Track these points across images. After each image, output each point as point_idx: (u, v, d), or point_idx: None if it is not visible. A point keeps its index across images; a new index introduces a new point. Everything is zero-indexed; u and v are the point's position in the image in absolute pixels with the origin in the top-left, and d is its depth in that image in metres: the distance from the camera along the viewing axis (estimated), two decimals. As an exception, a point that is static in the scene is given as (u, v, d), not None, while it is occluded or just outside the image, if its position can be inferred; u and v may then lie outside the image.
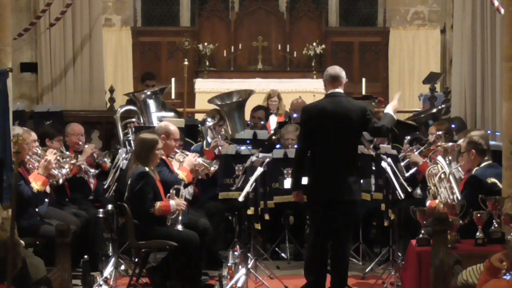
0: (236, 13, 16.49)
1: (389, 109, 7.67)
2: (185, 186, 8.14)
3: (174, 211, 7.70)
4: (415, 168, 8.62)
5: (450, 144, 7.92)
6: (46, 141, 8.70)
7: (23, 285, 5.18)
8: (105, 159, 9.10)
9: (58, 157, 8.00)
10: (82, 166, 8.77)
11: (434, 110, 11.61)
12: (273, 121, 11.57)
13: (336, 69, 7.61)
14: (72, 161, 8.24)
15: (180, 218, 7.69)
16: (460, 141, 7.75)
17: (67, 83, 12.15)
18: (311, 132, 7.50)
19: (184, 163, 8.23)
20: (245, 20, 16.53)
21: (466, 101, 10.91)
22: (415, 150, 8.77)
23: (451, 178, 7.28)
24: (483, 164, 7.31)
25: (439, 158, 7.52)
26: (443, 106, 11.91)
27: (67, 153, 8.72)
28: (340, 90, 7.52)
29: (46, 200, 7.94)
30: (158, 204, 7.64)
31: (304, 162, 7.57)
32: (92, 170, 8.93)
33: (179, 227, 7.66)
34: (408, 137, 9.16)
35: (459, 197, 7.11)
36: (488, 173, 7.20)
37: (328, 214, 7.42)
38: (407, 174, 8.35)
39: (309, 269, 7.59)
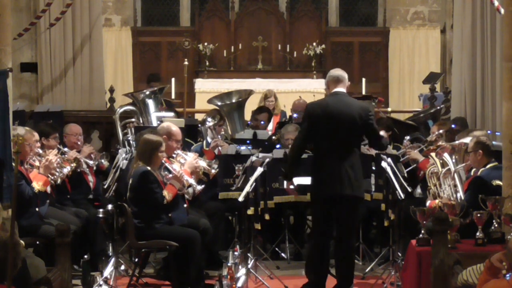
0: (236, 13, 16.48)
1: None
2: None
3: (183, 184, 7.82)
4: (414, 165, 8.62)
5: (457, 142, 7.92)
6: (42, 139, 8.68)
7: (23, 285, 5.18)
8: (102, 160, 9.09)
9: (58, 159, 8.02)
10: (82, 160, 8.77)
11: (434, 110, 11.61)
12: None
13: (339, 71, 7.75)
14: (73, 164, 8.30)
15: (192, 185, 7.88)
16: (467, 140, 7.73)
17: (67, 83, 12.14)
18: (311, 131, 7.54)
19: (185, 165, 8.22)
20: (245, 20, 16.52)
21: (466, 101, 10.89)
22: (415, 147, 8.77)
23: (455, 176, 7.27)
24: (489, 166, 7.30)
25: (446, 155, 7.51)
26: (442, 106, 11.91)
27: (66, 149, 8.75)
28: (343, 89, 7.62)
29: (47, 200, 7.95)
30: (165, 192, 7.68)
31: (299, 159, 7.66)
32: (91, 162, 8.92)
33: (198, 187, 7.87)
34: (408, 137, 9.16)
35: (463, 197, 7.10)
36: (493, 175, 7.19)
37: (331, 212, 7.44)
38: (406, 170, 8.34)
39: (310, 267, 7.63)
